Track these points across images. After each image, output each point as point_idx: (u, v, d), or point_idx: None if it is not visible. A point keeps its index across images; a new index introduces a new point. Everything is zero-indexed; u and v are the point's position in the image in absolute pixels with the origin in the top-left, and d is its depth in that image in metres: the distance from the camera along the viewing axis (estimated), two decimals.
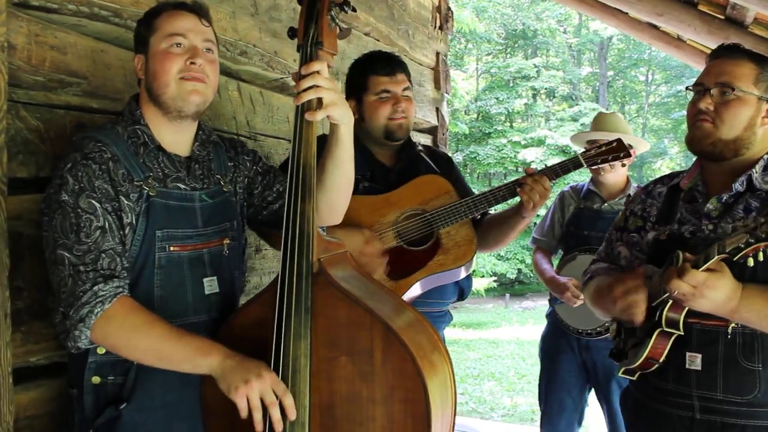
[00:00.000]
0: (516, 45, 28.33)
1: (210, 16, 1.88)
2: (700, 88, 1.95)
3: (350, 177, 1.94)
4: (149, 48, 1.80)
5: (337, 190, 1.92)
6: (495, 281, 20.09)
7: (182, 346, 1.61)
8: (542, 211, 3.87)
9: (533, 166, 21.67)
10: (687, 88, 2.03)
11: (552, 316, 3.69)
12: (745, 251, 1.61)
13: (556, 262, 3.79)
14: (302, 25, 1.79)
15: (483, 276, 19.28)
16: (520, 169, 22.59)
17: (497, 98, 24.08)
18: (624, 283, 1.96)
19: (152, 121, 1.82)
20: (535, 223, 4.58)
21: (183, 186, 1.83)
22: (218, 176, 1.93)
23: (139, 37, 1.84)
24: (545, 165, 2.56)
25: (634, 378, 2.02)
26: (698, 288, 1.68)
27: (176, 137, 1.86)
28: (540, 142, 22.12)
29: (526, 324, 14.90)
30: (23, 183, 1.83)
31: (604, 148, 2.55)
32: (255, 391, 1.53)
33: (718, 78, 1.92)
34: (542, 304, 18.96)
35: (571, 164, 2.52)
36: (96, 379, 1.72)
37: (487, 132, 23.91)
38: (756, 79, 1.91)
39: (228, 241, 1.90)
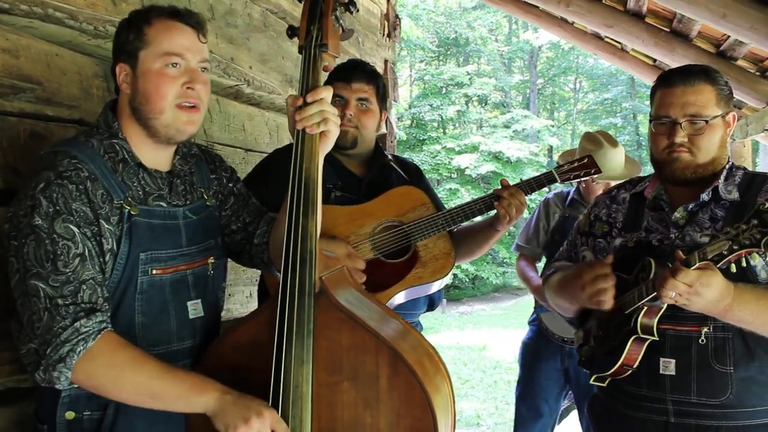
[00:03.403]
0: (449, 53, 28.71)
1: (207, 28, 1.73)
2: (667, 121, 1.98)
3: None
4: (138, 62, 1.64)
5: None
6: None
7: (175, 384, 1.49)
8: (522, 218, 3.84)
9: (468, 173, 22.13)
10: (651, 121, 2.04)
11: (536, 323, 3.70)
12: (728, 258, 1.63)
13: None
14: (304, 24, 1.68)
15: None
16: (454, 176, 22.87)
17: (431, 105, 24.32)
18: (592, 270, 1.95)
19: (132, 136, 1.68)
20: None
21: (165, 204, 1.71)
22: (201, 189, 1.83)
23: (124, 44, 1.66)
24: (521, 179, 2.56)
25: (605, 384, 2.03)
26: (693, 286, 1.68)
27: (157, 153, 1.74)
28: (474, 149, 22.43)
29: (465, 329, 15.02)
30: None
31: (576, 164, 2.58)
32: (254, 431, 1.44)
33: (685, 110, 1.94)
34: (479, 309, 19.23)
35: (545, 179, 2.54)
36: (70, 415, 1.57)
37: (421, 138, 24.10)
38: (717, 99, 1.96)
39: (213, 260, 1.79)
